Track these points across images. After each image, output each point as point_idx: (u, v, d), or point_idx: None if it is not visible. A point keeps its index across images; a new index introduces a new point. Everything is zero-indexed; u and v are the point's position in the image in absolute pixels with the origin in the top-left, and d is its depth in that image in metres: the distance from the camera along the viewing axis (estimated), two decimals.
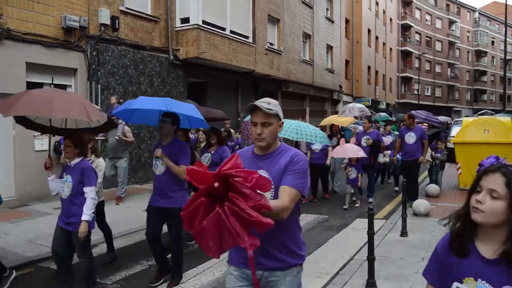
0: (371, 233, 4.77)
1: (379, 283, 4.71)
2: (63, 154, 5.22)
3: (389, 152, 11.65)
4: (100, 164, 5.52)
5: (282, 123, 2.59)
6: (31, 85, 9.65)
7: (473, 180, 1.71)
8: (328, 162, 10.22)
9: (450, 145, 14.27)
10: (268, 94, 19.92)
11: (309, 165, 10.49)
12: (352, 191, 9.82)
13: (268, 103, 2.47)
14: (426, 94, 54.85)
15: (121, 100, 9.77)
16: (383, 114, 24.50)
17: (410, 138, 9.34)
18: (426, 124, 11.90)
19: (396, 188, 11.68)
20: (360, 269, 5.25)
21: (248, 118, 14.29)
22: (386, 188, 12.34)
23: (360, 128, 11.25)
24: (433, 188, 10.33)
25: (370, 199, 9.98)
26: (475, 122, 11.38)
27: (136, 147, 12.14)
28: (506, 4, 25.40)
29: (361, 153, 9.08)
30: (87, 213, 4.34)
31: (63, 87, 10.58)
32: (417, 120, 11.09)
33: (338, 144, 10.17)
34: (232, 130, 12.91)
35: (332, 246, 6.67)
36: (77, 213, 4.36)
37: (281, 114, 2.53)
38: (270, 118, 2.46)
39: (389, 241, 6.56)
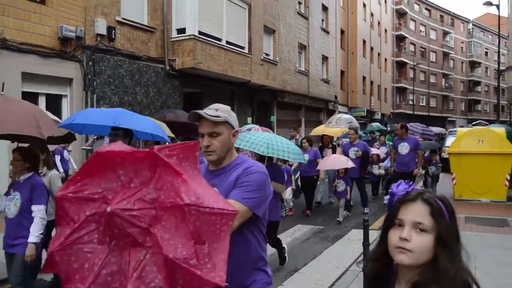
0: (366, 244, 4.76)
1: None
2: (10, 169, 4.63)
3: (384, 164, 11.59)
4: (54, 178, 4.92)
5: (237, 132, 2.25)
6: (26, 95, 9.64)
7: (391, 212, 1.45)
8: (321, 175, 9.85)
9: (444, 155, 14.34)
10: (264, 104, 20.03)
11: (299, 177, 10.21)
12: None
13: (215, 110, 2.16)
14: (421, 104, 55.14)
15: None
16: (375, 124, 24.29)
17: (404, 148, 9.15)
18: (421, 138, 12.03)
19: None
20: (356, 280, 5.24)
21: (245, 127, 14.23)
22: (381, 199, 12.28)
23: (346, 139, 10.79)
24: None
25: (366, 210, 9.84)
26: (470, 132, 11.46)
27: None
28: (499, 16, 25.69)
29: (350, 163, 8.83)
30: (35, 234, 3.88)
31: (59, 97, 10.59)
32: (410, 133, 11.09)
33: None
34: None
35: (327, 257, 6.65)
36: (25, 235, 3.90)
37: (233, 122, 2.20)
38: (218, 126, 2.13)
39: None
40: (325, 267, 6.09)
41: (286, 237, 7.81)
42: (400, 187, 1.49)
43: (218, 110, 2.16)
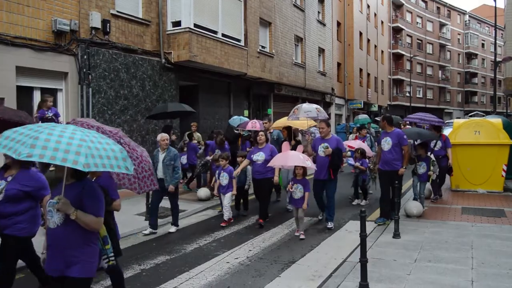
0: (363, 235, 4.76)
1: (372, 285, 4.71)
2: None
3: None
4: None
5: None
6: (21, 89, 9.58)
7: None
8: (275, 178, 8.11)
9: None
10: (261, 97, 20.00)
11: (252, 180, 8.61)
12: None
13: None
14: (417, 96, 55.20)
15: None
16: (363, 116, 22.91)
17: (386, 144, 7.84)
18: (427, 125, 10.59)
19: (359, 202, 10.07)
20: (353, 271, 5.25)
21: (233, 120, 13.88)
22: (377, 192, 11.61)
23: (318, 134, 8.86)
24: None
25: (330, 224, 7.89)
26: (466, 123, 11.46)
27: None
28: (495, 7, 25.64)
29: (308, 163, 7.14)
30: None
31: (54, 91, 10.52)
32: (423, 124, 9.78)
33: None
34: (199, 134, 12.64)
35: (325, 248, 6.67)
36: None
37: None
38: None
39: (382, 243, 6.56)
40: (323, 259, 6.11)
41: (283, 229, 7.84)
42: None
43: None
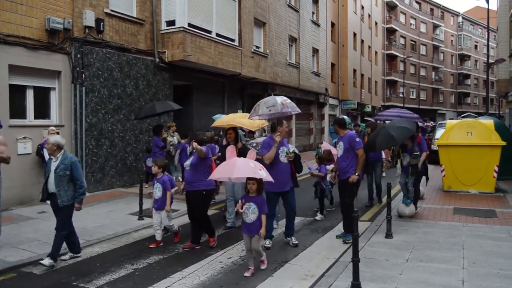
0: (356, 235, 4.79)
1: (364, 284, 4.73)
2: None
3: (329, 167, 9.01)
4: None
5: None
6: (14, 88, 9.53)
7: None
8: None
9: (434, 147, 14.51)
10: (255, 97, 19.96)
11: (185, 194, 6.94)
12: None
13: None
14: (411, 97, 55.54)
15: None
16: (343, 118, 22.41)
17: (339, 149, 6.92)
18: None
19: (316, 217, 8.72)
20: (345, 271, 5.27)
21: (217, 117, 13.60)
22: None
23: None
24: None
25: (293, 241, 6.73)
26: (459, 124, 11.53)
27: (122, 150, 12.06)
28: (488, 9, 25.83)
29: (263, 173, 5.40)
30: None
31: (47, 89, 10.48)
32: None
33: None
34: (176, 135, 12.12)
35: (317, 248, 6.68)
36: None
37: None
38: None
39: (374, 243, 6.59)
40: (315, 258, 6.12)
41: (276, 230, 7.83)
42: None
43: None
